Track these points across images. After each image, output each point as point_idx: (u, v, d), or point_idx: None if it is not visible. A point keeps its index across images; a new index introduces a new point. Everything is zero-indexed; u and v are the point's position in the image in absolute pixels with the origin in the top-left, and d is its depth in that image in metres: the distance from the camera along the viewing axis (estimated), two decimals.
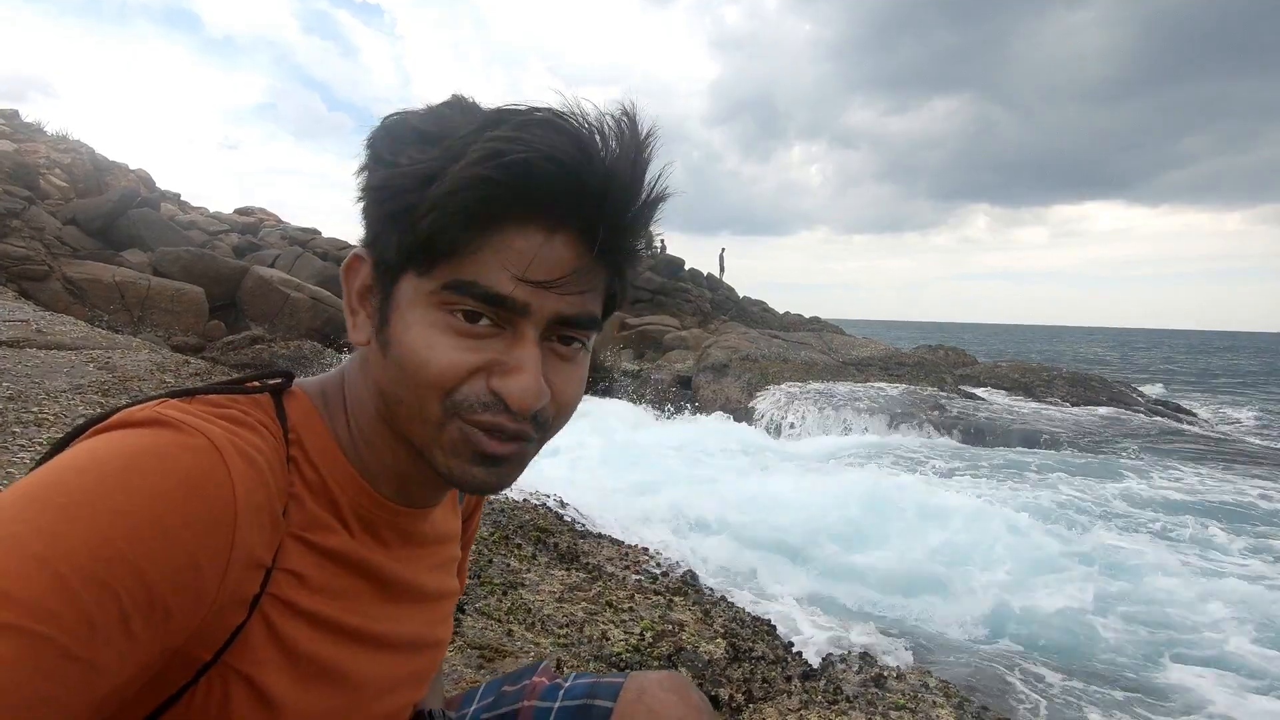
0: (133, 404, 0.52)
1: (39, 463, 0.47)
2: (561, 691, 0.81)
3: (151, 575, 0.43)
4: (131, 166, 17.09)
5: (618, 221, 0.54)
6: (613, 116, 0.53)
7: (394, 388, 0.55)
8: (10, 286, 9.38)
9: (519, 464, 0.58)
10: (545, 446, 0.61)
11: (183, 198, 18.34)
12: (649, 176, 0.54)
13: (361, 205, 0.58)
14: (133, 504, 0.43)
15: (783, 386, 13.20)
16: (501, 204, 0.51)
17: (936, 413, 11.98)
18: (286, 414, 0.58)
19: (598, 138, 0.52)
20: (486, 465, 0.55)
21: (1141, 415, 13.61)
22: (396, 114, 0.57)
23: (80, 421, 0.52)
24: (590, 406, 11.65)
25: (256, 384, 0.59)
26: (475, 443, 0.54)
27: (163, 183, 18.41)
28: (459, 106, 0.56)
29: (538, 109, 0.53)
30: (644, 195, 0.54)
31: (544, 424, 0.57)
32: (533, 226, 0.52)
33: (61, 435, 0.51)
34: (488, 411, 0.54)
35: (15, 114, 16.21)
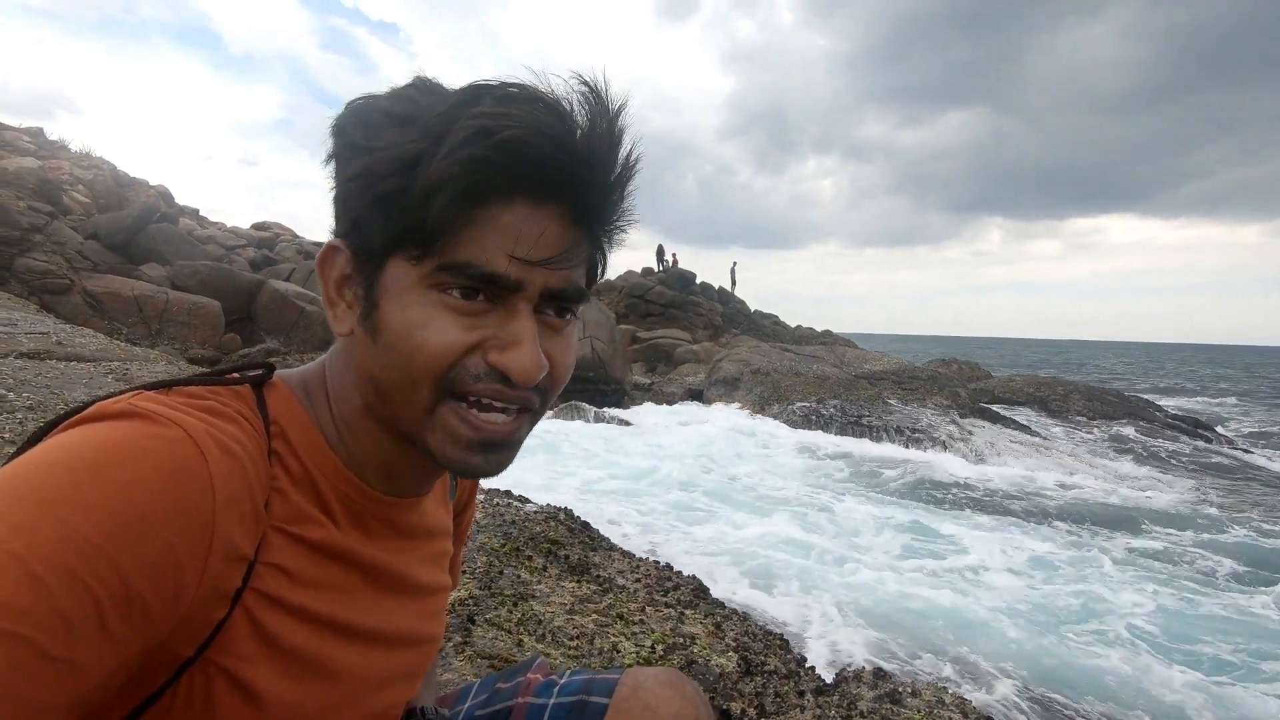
0: (107, 396, 0.51)
1: (12, 458, 0.46)
2: (556, 688, 0.81)
3: (128, 570, 0.42)
4: (152, 182, 17.41)
5: (599, 191, 0.54)
6: (578, 88, 0.53)
7: (387, 373, 0.54)
8: (32, 300, 9.55)
9: (516, 445, 0.57)
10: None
11: (201, 213, 18.64)
12: (624, 143, 0.54)
13: (335, 194, 0.57)
14: (107, 497, 0.42)
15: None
16: (494, 182, 0.50)
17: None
18: (268, 405, 0.57)
19: (579, 108, 0.52)
20: (485, 451, 0.55)
21: None
22: (362, 98, 0.56)
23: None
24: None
25: (236, 375, 0.58)
26: (473, 426, 0.54)
27: (182, 198, 18.73)
28: (424, 87, 0.55)
29: (509, 83, 0.53)
30: (620, 164, 0.54)
31: (543, 392, 0.57)
32: (519, 202, 0.52)
33: (34, 430, 0.49)
34: (482, 382, 0.53)
35: (40, 132, 16.58)
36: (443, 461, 0.56)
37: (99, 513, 0.41)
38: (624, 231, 0.59)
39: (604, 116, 0.53)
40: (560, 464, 8.68)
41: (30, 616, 0.38)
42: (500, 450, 0.56)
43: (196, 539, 0.46)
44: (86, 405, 0.49)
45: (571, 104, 0.52)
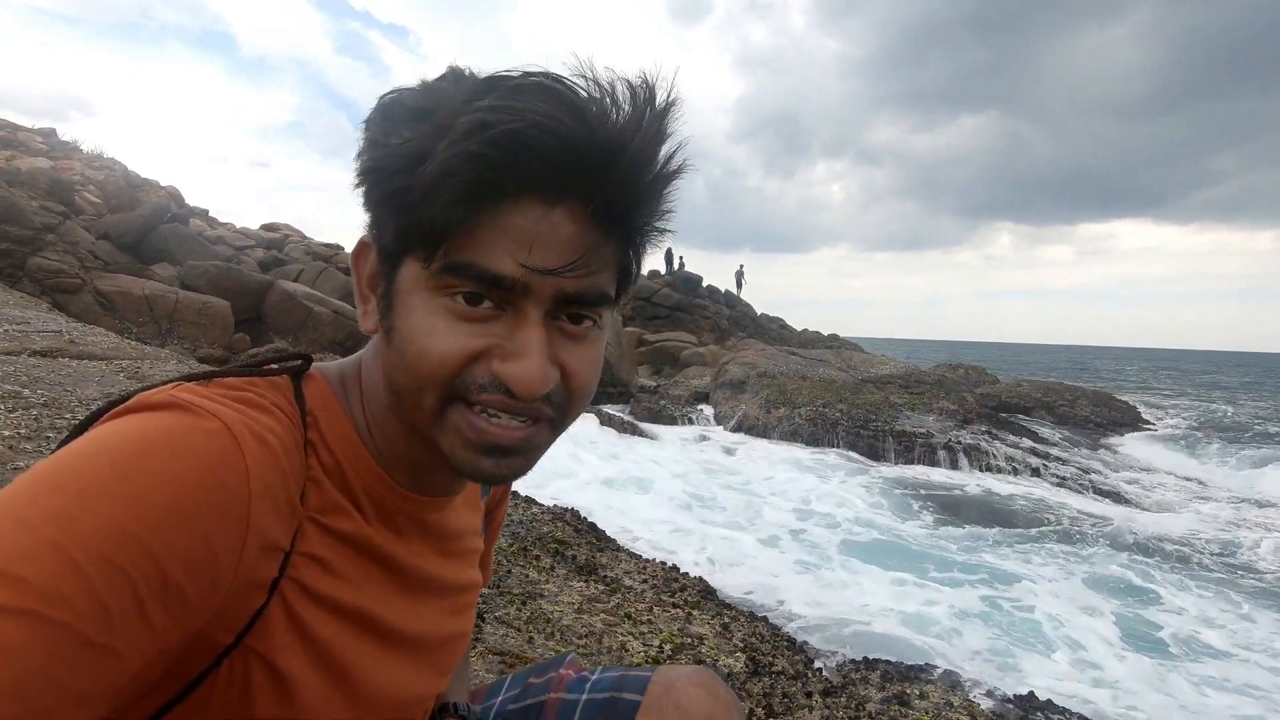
0: (149, 387, 0.51)
1: (59, 446, 0.47)
2: (588, 684, 0.81)
3: (165, 559, 0.42)
4: (163, 183, 17.50)
5: (624, 192, 0.50)
6: (626, 81, 0.50)
7: (396, 376, 0.54)
8: (45, 298, 9.62)
9: (530, 452, 0.55)
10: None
11: (211, 213, 18.74)
12: (664, 146, 0.51)
13: (361, 191, 0.55)
14: (146, 488, 0.43)
15: None
16: (494, 180, 0.48)
17: None
18: (305, 397, 0.57)
19: (606, 102, 0.49)
20: (495, 456, 0.54)
21: None
22: (392, 93, 0.55)
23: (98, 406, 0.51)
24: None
25: (274, 367, 0.58)
26: (481, 431, 0.53)
27: (193, 199, 18.84)
28: (453, 78, 0.53)
29: (531, 73, 0.50)
30: (655, 165, 0.51)
31: (559, 404, 0.55)
32: (528, 200, 0.49)
33: (79, 420, 0.50)
34: (486, 392, 0.52)
35: (53, 132, 16.70)
36: (454, 464, 0.55)
37: (137, 503, 0.42)
38: (661, 233, 0.56)
39: (640, 110, 0.50)
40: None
41: (70, 603, 0.38)
42: (513, 455, 0.54)
43: (232, 530, 0.46)
44: (129, 396, 0.50)
45: (603, 96, 0.49)
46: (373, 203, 0.54)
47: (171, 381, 0.52)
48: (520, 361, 0.51)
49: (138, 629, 0.41)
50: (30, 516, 0.40)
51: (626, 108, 0.50)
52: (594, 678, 0.82)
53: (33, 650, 0.37)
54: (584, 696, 0.79)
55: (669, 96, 0.51)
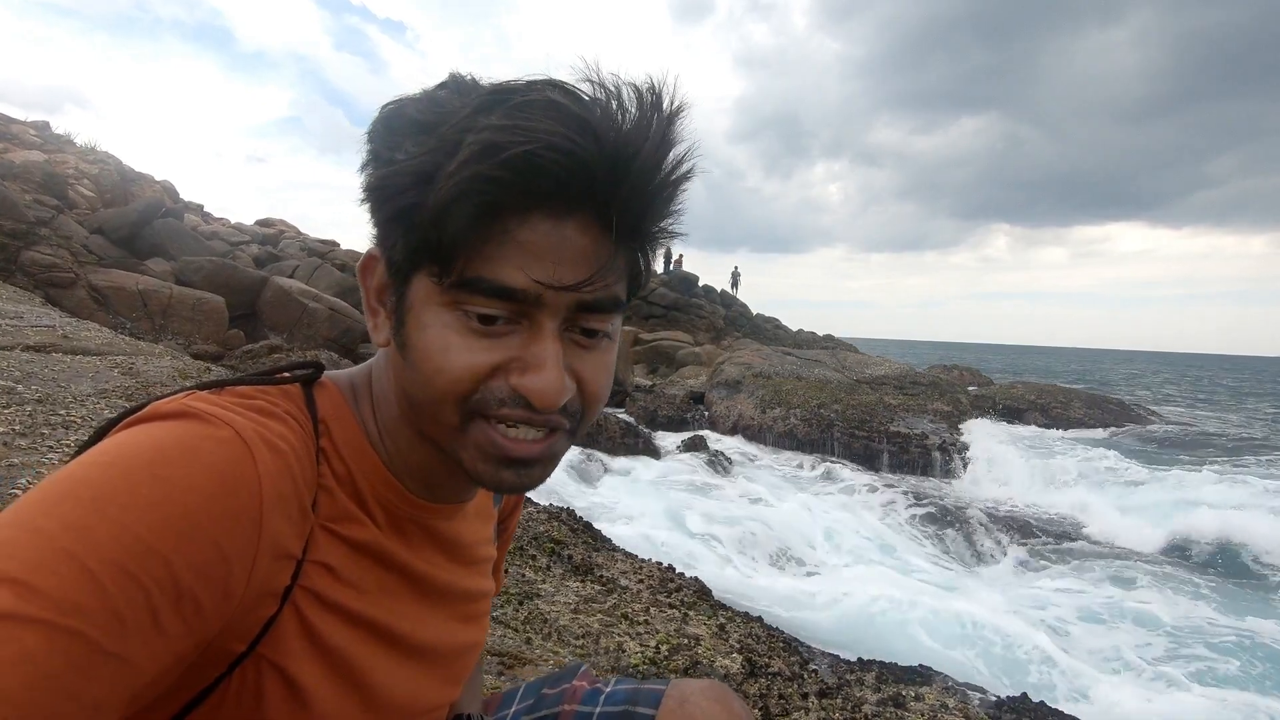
0: (162, 396, 0.52)
1: (73, 456, 0.47)
2: (602, 697, 0.81)
3: (179, 568, 0.42)
4: (157, 178, 17.40)
5: (635, 203, 0.50)
6: (633, 87, 0.50)
7: (414, 390, 0.54)
8: (38, 293, 9.56)
9: (549, 462, 0.56)
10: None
11: (207, 209, 18.66)
12: (672, 153, 0.51)
13: (366, 205, 0.55)
14: (159, 497, 0.43)
15: None
16: (505, 200, 0.48)
17: None
18: (316, 405, 0.58)
19: (614, 111, 0.49)
20: (515, 468, 0.54)
21: None
22: (394, 102, 0.54)
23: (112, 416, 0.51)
24: None
25: (286, 375, 0.58)
26: (501, 446, 0.53)
27: (188, 194, 18.77)
28: (456, 88, 0.53)
29: (535, 84, 0.50)
30: (664, 172, 0.51)
31: (574, 414, 0.55)
32: (539, 215, 0.49)
33: (94, 429, 0.50)
34: (506, 407, 0.52)
35: (46, 125, 16.58)
36: (474, 476, 0.55)
37: (152, 512, 0.42)
38: (671, 237, 0.56)
39: (648, 117, 0.49)
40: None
41: (86, 613, 0.38)
42: (532, 466, 0.55)
43: (245, 539, 0.46)
44: (142, 405, 0.51)
45: (609, 102, 0.49)
46: (381, 219, 0.54)
47: (184, 390, 0.53)
48: (538, 374, 0.51)
49: (152, 638, 0.41)
50: (45, 526, 0.40)
51: (634, 114, 0.49)
52: (608, 690, 0.82)
53: (48, 659, 0.37)
54: (598, 709, 0.80)
55: (676, 101, 0.51)
